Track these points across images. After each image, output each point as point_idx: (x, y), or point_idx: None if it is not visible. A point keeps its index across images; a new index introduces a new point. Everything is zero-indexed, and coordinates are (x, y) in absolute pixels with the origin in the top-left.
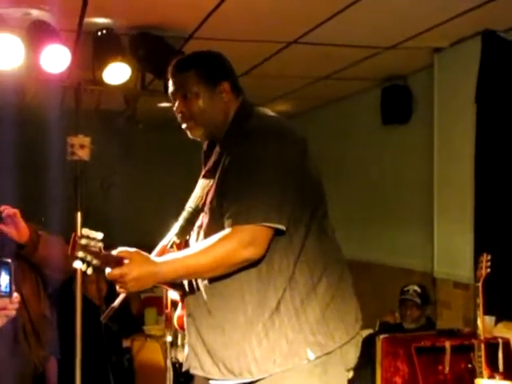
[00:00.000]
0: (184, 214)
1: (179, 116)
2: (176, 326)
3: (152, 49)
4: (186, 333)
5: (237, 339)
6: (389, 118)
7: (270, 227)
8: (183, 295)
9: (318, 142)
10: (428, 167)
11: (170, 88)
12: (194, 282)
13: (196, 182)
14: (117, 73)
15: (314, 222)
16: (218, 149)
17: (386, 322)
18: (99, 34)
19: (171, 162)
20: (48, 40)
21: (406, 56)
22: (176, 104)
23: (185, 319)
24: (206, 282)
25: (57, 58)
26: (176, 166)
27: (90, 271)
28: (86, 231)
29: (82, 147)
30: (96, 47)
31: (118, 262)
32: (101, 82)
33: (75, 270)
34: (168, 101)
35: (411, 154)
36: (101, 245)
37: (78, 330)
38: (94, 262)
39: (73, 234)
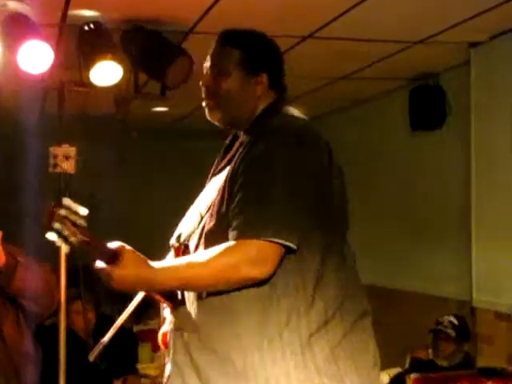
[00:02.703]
0: (187, 217)
1: (203, 90)
2: (160, 343)
3: (147, 45)
4: (171, 348)
5: (231, 367)
6: (418, 124)
7: (280, 244)
8: (174, 307)
9: (335, 153)
10: (465, 179)
11: (208, 57)
12: (187, 294)
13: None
14: (106, 73)
15: (333, 246)
16: (236, 144)
17: (417, 358)
18: (86, 28)
19: (171, 176)
20: (27, 35)
21: (438, 51)
22: (204, 75)
23: (170, 334)
24: (199, 295)
25: (37, 56)
26: (176, 180)
27: (65, 248)
28: (67, 201)
29: (66, 158)
30: (82, 43)
31: (114, 255)
32: (88, 84)
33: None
34: (165, 105)
35: (445, 164)
36: (83, 222)
37: (62, 370)
38: (72, 238)
39: (51, 203)
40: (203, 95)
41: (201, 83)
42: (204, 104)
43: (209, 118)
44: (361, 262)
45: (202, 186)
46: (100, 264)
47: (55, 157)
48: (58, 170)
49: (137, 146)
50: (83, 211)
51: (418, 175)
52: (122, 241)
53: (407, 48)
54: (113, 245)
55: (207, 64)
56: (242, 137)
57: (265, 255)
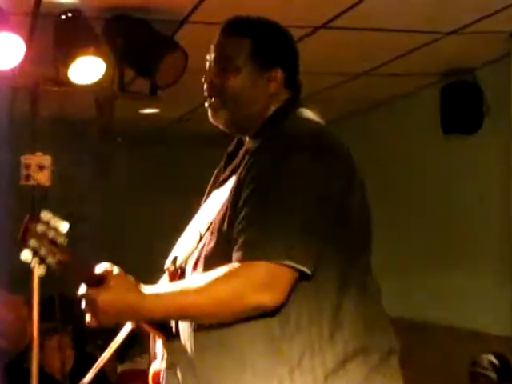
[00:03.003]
0: (185, 236)
1: (206, 86)
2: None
3: (134, 37)
4: None
5: None
6: (452, 127)
7: (292, 268)
8: (167, 340)
9: (355, 159)
10: (506, 192)
11: (212, 48)
12: (182, 325)
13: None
14: (87, 69)
15: (353, 273)
16: (242, 152)
17: None
18: (63, 17)
19: (163, 189)
20: None
21: (475, 43)
22: (208, 69)
23: (163, 373)
24: (196, 327)
25: (6, 50)
26: (170, 194)
27: (41, 270)
28: (46, 215)
29: (40, 169)
30: (59, 35)
31: (99, 279)
32: (66, 82)
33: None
34: (155, 106)
35: (482, 175)
36: (64, 240)
37: None
38: (50, 259)
39: (27, 216)
40: (206, 93)
41: (204, 78)
42: (207, 103)
43: (212, 120)
44: (386, 290)
45: (200, 200)
46: (83, 289)
47: (27, 167)
48: (31, 182)
49: (122, 154)
50: (64, 227)
51: (451, 187)
52: (104, 258)
53: (438, 39)
54: (98, 267)
55: (211, 56)
56: (249, 143)
57: (275, 280)
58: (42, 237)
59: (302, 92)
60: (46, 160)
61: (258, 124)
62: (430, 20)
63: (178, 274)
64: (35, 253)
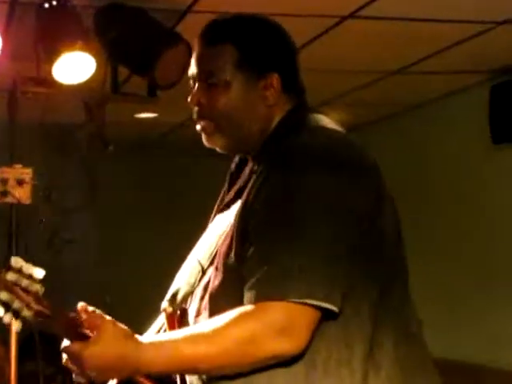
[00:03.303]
0: (184, 269)
1: (195, 110)
2: None
3: (129, 28)
4: None
5: None
6: (502, 135)
7: (314, 307)
8: None
9: (386, 171)
10: None
11: (192, 64)
12: (190, 379)
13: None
14: (74, 67)
15: (388, 304)
16: (247, 170)
17: None
18: (46, 5)
19: (162, 208)
20: None
21: None
22: (194, 90)
23: None
24: (205, 380)
25: None
26: (169, 214)
27: (17, 325)
28: (17, 261)
29: (19, 184)
30: (41, 28)
31: (83, 330)
32: (49, 82)
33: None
34: (153, 110)
35: None
36: (40, 288)
37: None
38: (26, 312)
39: None
40: (195, 116)
41: (189, 99)
42: (198, 128)
43: (207, 144)
44: (428, 326)
45: (203, 225)
46: (66, 343)
47: (4, 181)
48: (9, 199)
49: (115, 165)
50: (39, 273)
51: (503, 205)
52: (94, 287)
53: (488, 30)
54: (83, 314)
55: (193, 72)
56: (255, 160)
57: (294, 322)
58: (14, 287)
59: (327, 94)
60: (26, 173)
61: (262, 139)
62: (479, 8)
63: (178, 315)
64: (7, 307)
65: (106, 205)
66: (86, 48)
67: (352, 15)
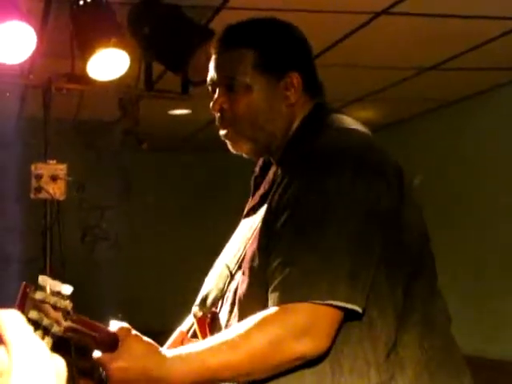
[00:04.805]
0: (213, 274)
1: (217, 116)
2: None
3: (163, 25)
4: None
5: None
6: None
7: (337, 307)
8: None
9: (417, 170)
10: None
11: (211, 71)
12: None
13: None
14: (108, 63)
15: (414, 302)
16: (271, 174)
17: None
18: (81, 3)
19: (197, 202)
20: (1, 14)
21: None
22: (215, 97)
23: None
24: None
25: (15, 42)
26: (207, 207)
27: (47, 343)
28: (44, 279)
29: (53, 180)
30: (76, 24)
31: (112, 343)
32: (83, 79)
33: None
34: (187, 106)
35: None
36: (68, 304)
37: None
38: (55, 328)
39: (23, 284)
40: (218, 122)
41: (211, 106)
42: (222, 134)
43: (233, 150)
44: (460, 321)
45: (235, 224)
46: (97, 354)
47: (38, 177)
48: (43, 195)
49: (149, 162)
50: (66, 290)
51: None
52: (128, 284)
53: None
54: (113, 327)
55: (212, 78)
56: (279, 163)
57: (317, 323)
58: (42, 305)
59: (361, 90)
60: (61, 169)
61: (285, 142)
62: None
63: (208, 320)
64: (37, 325)
65: (138, 199)
66: (120, 45)
67: (385, 11)
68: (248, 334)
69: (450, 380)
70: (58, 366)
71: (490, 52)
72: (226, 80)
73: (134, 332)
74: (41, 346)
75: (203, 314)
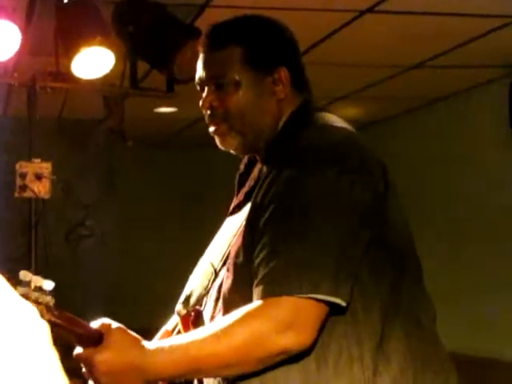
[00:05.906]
0: (198, 272)
1: (207, 114)
2: None
3: (148, 23)
4: None
5: None
6: None
7: (321, 301)
8: None
9: (403, 168)
10: None
11: (199, 70)
12: (206, 382)
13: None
14: (93, 62)
15: (397, 299)
16: (256, 171)
17: None
18: (65, 1)
19: (183, 199)
20: None
21: None
22: (204, 95)
23: None
24: (222, 382)
25: None
26: (192, 204)
27: None
28: (26, 274)
29: (38, 178)
30: (61, 23)
31: (95, 337)
32: (68, 77)
33: None
34: (173, 104)
35: None
36: (50, 299)
37: None
38: None
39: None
40: (207, 120)
41: (201, 104)
42: (212, 130)
43: (222, 147)
44: (447, 319)
45: (220, 222)
46: (78, 350)
47: (23, 176)
48: (28, 193)
49: (134, 160)
50: (48, 285)
51: None
52: (112, 282)
53: (508, 24)
54: (95, 323)
55: (200, 77)
56: (263, 162)
57: (300, 317)
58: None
59: (346, 88)
60: (45, 168)
61: (271, 139)
62: (498, 2)
63: (192, 318)
64: None
65: (123, 197)
66: (105, 43)
67: (370, 10)
68: (231, 327)
69: (435, 376)
70: (43, 327)
71: (475, 50)
72: (215, 78)
73: (117, 325)
74: (26, 304)
75: (187, 311)
